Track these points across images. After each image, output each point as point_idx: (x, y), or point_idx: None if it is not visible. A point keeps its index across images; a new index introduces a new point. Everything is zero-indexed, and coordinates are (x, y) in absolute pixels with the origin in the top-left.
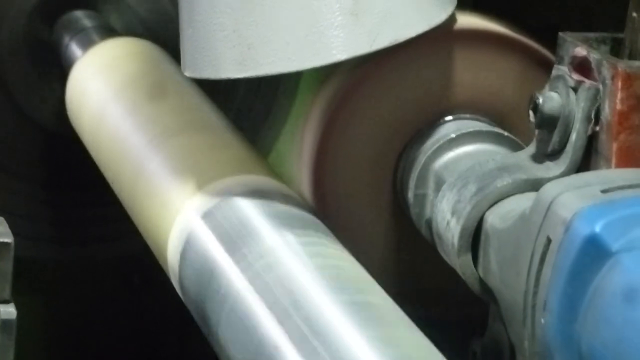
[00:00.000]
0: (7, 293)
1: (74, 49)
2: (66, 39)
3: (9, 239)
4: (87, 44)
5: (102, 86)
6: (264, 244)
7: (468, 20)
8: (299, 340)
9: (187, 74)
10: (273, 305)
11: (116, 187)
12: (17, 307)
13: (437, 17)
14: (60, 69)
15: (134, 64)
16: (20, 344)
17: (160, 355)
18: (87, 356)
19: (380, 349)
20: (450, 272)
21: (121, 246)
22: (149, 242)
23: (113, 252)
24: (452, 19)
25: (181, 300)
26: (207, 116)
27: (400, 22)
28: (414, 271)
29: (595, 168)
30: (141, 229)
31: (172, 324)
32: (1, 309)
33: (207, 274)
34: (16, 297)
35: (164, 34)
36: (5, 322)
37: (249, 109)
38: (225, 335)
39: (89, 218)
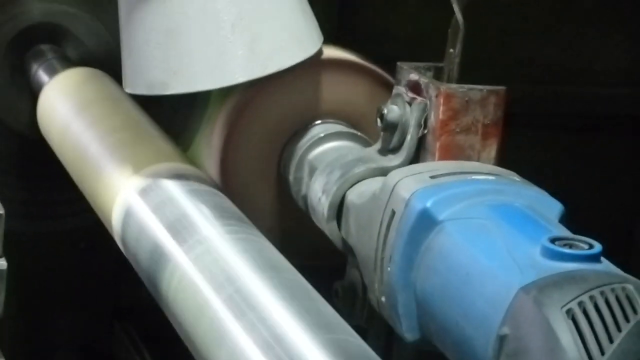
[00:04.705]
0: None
1: (41, 74)
2: (34, 66)
3: (1, 210)
4: (51, 72)
5: (66, 105)
6: (187, 215)
7: (331, 52)
8: (232, 307)
9: (128, 90)
10: (211, 277)
11: (76, 178)
12: None
13: (310, 50)
14: (30, 88)
15: (88, 88)
16: None
17: (99, 299)
18: (43, 301)
19: (283, 298)
20: (319, 233)
21: (72, 221)
22: (99, 214)
23: (67, 226)
24: (320, 51)
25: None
26: (142, 123)
27: (284, 54)
28: (292, 233)
29: (424, 160)
30: (93, 205)
31: (108, 278)
32: None
33: (146, 240)
34: None
35: (106, 60)
36: None
37: (173, 118)
38: (172, 298)
39: (50, 200)
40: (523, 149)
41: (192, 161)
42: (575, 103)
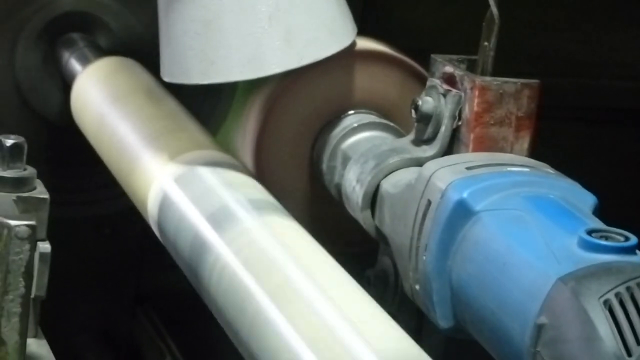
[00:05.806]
0: (44, 234)
1: (74, 63)
2: (66, 55)
3: (46, 195)
4: (84, 61)
5: (101, 95)
6: (227, 206)
7: (364, 43)
8: (276, 298)
9: (166, 79)
10: (253, 269)
11: (112, 165)
12: None
13: (345, 42)
14: (61, 76)
15: (122, 77)
16: None
17: (121, 284)
18: (65, 286)
19: (325, 289)
20: (351, 221)
21: (98, 208)
22: (133, 199)
23: (93, 212)
24: (354, 43)
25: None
26: (177, 112)
27: (320, 46)
28: (324, 220)
29: (458, 152)
30: (128, 190)
31: (130, 263)
32: (40, 245)
33: (186, 230)
34: None
35: (137, 49)
36: (43, 255)
37: (201, 105)
38: (213, 285)
39: (76, 187)
40: (541, 141)
41: (222, 148)
42: (594, 96)
